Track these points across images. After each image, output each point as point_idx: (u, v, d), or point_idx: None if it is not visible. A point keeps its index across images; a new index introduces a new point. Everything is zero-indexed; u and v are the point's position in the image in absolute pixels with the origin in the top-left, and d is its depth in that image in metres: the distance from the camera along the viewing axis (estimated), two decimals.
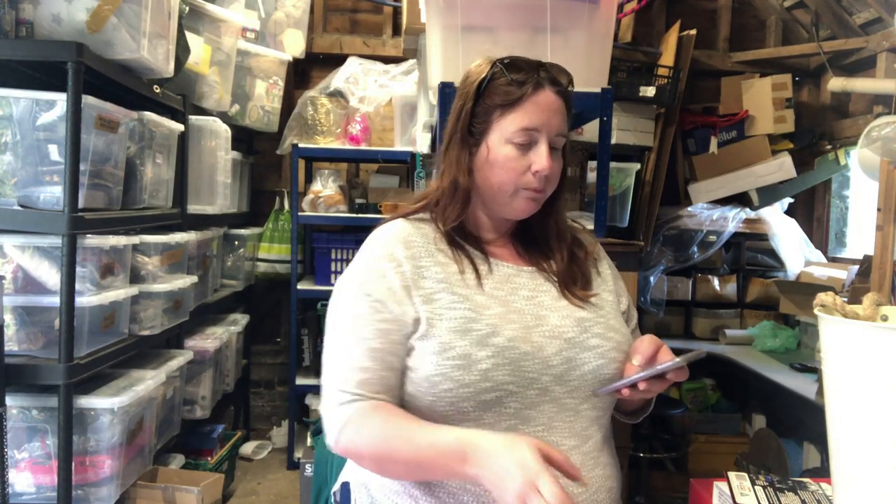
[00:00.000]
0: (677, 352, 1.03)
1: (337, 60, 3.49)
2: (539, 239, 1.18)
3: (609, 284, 1.20)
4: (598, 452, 1.08)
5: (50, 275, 1.87)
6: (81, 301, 1.86)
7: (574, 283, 1.14)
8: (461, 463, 0.88)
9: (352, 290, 1.06)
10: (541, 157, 1.07)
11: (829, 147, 3.27)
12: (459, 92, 1.14)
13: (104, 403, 1.94)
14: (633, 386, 1.02)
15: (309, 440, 3.03)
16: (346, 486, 1.21)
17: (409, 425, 0.97)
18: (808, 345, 3.03)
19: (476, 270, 1.09)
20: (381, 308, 1.03)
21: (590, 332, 1.08)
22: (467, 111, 1.10)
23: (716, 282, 3.36)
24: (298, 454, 3.17)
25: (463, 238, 1.12)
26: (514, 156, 1.07)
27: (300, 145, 3.29)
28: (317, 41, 3.59)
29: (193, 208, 2.72)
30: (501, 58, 1.11)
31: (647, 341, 1.05)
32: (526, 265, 1.15)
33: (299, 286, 3.26)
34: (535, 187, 1.08)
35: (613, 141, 2.81)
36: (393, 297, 1.04)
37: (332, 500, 1.29)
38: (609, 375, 1.07)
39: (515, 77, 1.07)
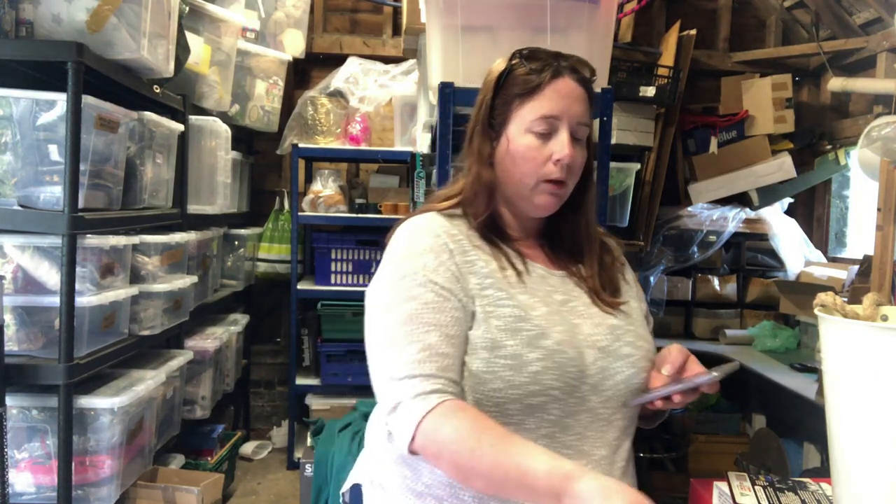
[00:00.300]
0: (702, 358, 1.03)
1: (337, 60, 3.49)
2: (568, 241, 1.14)
3: (633, 290, 1.17)
4: (626, 463, 1.06)
5: (50, 275, 1.87)
6: (81, 301, 1.86)
7: (604, 290, 1.11)
8: (553, 500, 0.81)
9: (412, 279, 0.99)
10: (562, 145, 1.03)
11: (829, 147, 3.27)
12: (482, 87, 1.12)
13: (104, 403, 1.94)
14: (667, 397, 1.00)
15: (309, 440, 3.02)
16: (356, 489, 1.18)
17: (498, 438, 0.87)
18: (808, 345, 3.03)
19: (515, 269, 1.06)
20: (450, 296, 0.99)
21: (622, 341, 1.06)
22: (487, 103, 1.08)
23: (716, 282, 3.36)
24: (298, 454, 3.17)
25: (496, 236, 1.09)
26: (535, 145, 1.04)
27: (300, 145, 3.29)
28: (317, 41, 3.59)
29: (193, 208, 2.72)
30: (521, 49, 1.09)
31: (676, 351, 1.03)
32: (556, 269, 1.12)
33: (299, 286, 3.26)
34: (556, 177, 1.04)
35: (613, 141, 2.81)
36: (457, 285, 1.00)
37: (342, 502, 1.26)
38: (638, 385, 1.04)
39: (534, 66, 1.05)
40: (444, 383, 0.92)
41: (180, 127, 2.49)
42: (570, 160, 1.04)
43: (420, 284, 0.99)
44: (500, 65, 1.10)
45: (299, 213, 3.25)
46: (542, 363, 0.97)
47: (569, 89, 1.05)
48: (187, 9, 2.50)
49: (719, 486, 1.17)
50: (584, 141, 1.08)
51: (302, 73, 3.65)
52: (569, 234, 1.14)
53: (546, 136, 1.05)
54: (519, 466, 0.83)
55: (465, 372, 0.97)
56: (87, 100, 1.82)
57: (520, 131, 1.05)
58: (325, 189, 3.28)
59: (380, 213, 3.28)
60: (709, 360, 1.05)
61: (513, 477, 0.84)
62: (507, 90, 1.07)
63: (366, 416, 2.99)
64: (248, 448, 3.41)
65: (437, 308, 0.97)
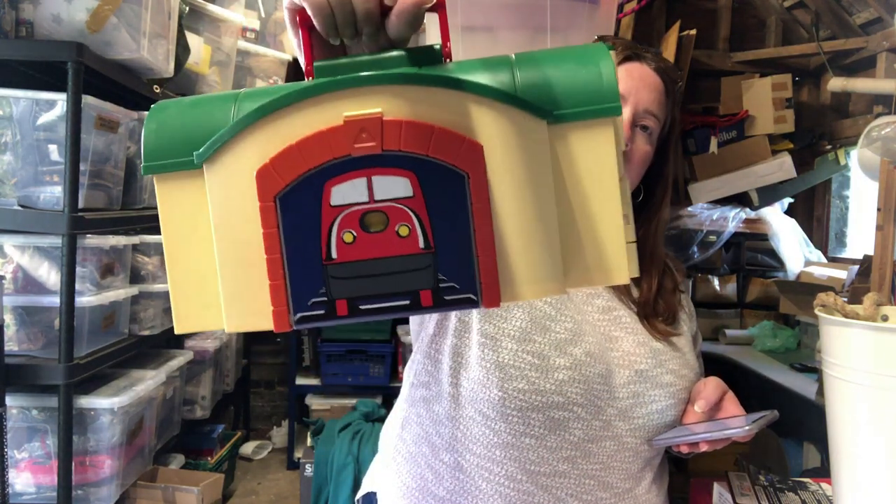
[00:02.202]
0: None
1: None
2: None
3: (689, 324, 1.06)
4: (650, 494, 0.98)
5: (50, 275, 1.87)
6: (81, 301, 1.86)
7: (657, 316, 0.99)
8: None
9: None
10: None
11: (829, 147, 3.27)
12: None
13: (104, 403, 1.94)
14: (694, 444, 0.91)
15: (309, 440, 3.03)
16: (370, 497, 1.11)
17: None
18: (808, 345, 3.03)
19: None
20: None
21: (664, 368, 0.96)
22: None
23: (716, 282, 3.36)
24: (298, 454, 3.17)
25: None
26: None
27: None
28: None
29: None
30: (606, 35, 1.02)
31: (713, 386, 0.94)
32: None
33: None
34: None
35: None
36: None
37: None
38: (673, 418, 0.95)
39: (611, 46, 1.00)
40: None
41: None
42: (625, 140, 0.92)
43: None
44: None
45: None
46: (569, 372, 0.89)
47: (642, 74, 0.96)
48: (187, 9, 2.50)
49: (719, 487, 1.17)
50: (651, 136, 0.97)
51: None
52: None
53: None
54: None
55: (489, 362, 0.90)
56: (87, 100, 1.82)
57: None
58: None
59: None
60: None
61: None
62: None
63: (366, 416, 3.00)
64: (248, 448, 3.41)
65: None
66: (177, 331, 0.48)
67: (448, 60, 0.48)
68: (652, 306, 1.00)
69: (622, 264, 0.45)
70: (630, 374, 0.94)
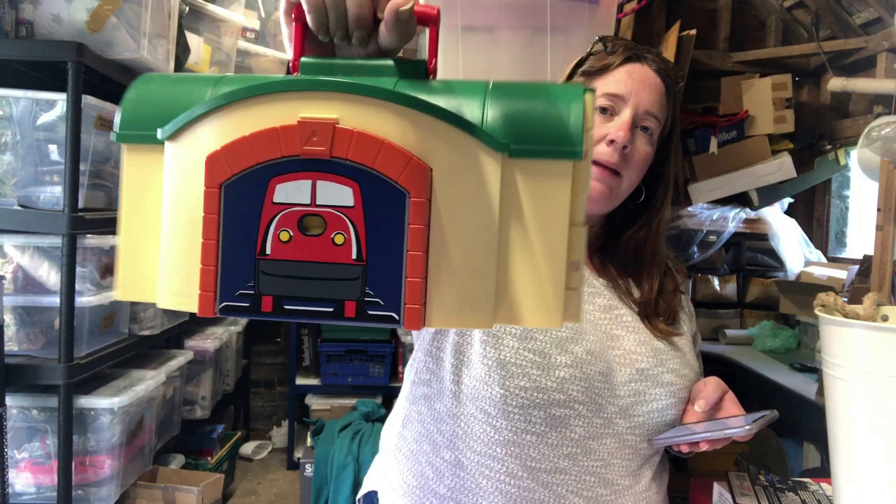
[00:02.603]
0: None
1: None
2: (625, 256, 1.03)
3: (686, 313, 1.08)
4: (650, 491, 0.99)
5: (50, 275, 1.87)
6: (81, 301, 1.86)
7: (658, 316, 1.00)
8: None
9: None
10: (619, 125, 0.93)
11: (829, 147, 3.27)
12: None
13: (104, 403, 1.94)
14: (694, 443, 0.91)
15: (309, 440, 3.03)
16: (371, 496, 1.12)
17: None
18: (808, 345, 3.03)
19: None
20: None
21: (665, 367, 0.96)
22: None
23: (716, 282, 3.36)
24: (298, 454, 3.17)
25: None
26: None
27: None
28: None
29: None
30: (607, 35, 1.03)
31: (713, 386, 0.95)
32: (601, 277, 1.02)
33: None
34: (606, 160, 0.93)
35: None
36: None
37: None
38: (674, 417, 0.96)
39: (611, 47, 0.99)
40: None
41: None
42: (624, 141, 0.93)
43: None
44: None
45: None
46: (570, 370, 0.90)
47: (643, 75, 0.97)
48: (187, 9, 2.50)
49: (719, 487, 1.17)
50: (652, 136, 0.98)
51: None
52: (627, 247, 1.03)
53: (607, 116, 0.96)
54: None
55: (490, 359, 0.90)
56: (87, 100, 1.82)
57: None
58: None
59: None
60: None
61: None
62: (581, 70, 1.01)
63: (366, 416, 3.00)
64: (248, 448, 3.41)
65: None
66: (117, 296, 0.48)
67: (432, 77, 0.48)
68: (653, 306, 1.00)
69: (556, 309, 0.44)
70: (631, 373, 0.94)
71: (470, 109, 0.45)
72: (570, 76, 1.03)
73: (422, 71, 0.48)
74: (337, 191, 0.43)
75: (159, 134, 0.46)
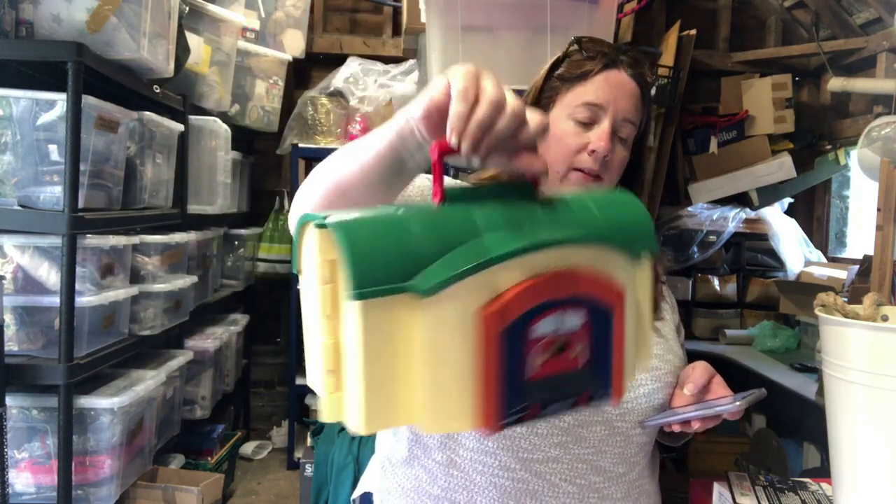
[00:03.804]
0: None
1: (337, 60, 3.49)
2: None
3: (668, 303, 1.11)
4: (642, 480, 1.01)
5: (50, 275, 1.87)
6: (81, 301, 1.86)
7: None
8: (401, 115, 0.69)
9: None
10: (599, 136, 0.97)
11: (829, 147, 3.27)
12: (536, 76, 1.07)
13: (104, 403, 1.94)
14: (685, 422, 0.93)
15: (309, 440, 3.02)
16: (367, 497, 1.14)
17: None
18: (808, 345, 3.03)
19: None
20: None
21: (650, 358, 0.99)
22: (536, 87, 1.04)
23: (716, 282, 3.36)
24: (298, 454, 3.17)
25: None
26: (573, 132, 0.98)
27: (300, 145, 3.28)
28: (317, 41, 3.59)
29: (193, 208, 2.72)
30: (581, 36, 1.04)
31: (701, 370, 0.97)
32: None
33: (299, 286, 3.26)
34: (588, 168, 0.97)
35: None
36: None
37: None
38: (661, 401, 0.98)
39: (589, 53, 1.01)
40: None
41: (180, 127, 2.49)
42: (606, 152, 0.96)
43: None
44: (559, 53, 1.05)
45: None
46: None
47: (620, 82, 1.00)
48: (187, 9, 2.50)
49: (719, 486, 1.17)
50: (628, 141, 1.02)
51: (302, 73, 3.65)
52: None
53: (587, 125, 0.98)
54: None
55: None
56: (87, 100, 1.82)
57: (562, 116, 1.00)
58: None
59: None
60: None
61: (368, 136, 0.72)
62: (559, 75, 1.02)
63: None
64: (248, 448, 3.41)
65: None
66: (364, 431, 0.53)
67: (536, 189, 0.61)
68: None
69: (646, 355, 0.66)
70: None
71: (606, 227, 0.60)
72: (547, 78, 1.04)
73: (529, 191, 0.61)
74: (574, 317, 0.56)
75: (422, 291, 0.53)
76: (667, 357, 1.01)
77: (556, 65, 1.04)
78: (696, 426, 0.91)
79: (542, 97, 1.03)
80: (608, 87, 0.99)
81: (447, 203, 0.58)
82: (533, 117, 0.59)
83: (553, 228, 0.58)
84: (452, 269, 0.53)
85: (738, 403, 0.87)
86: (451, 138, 0.57)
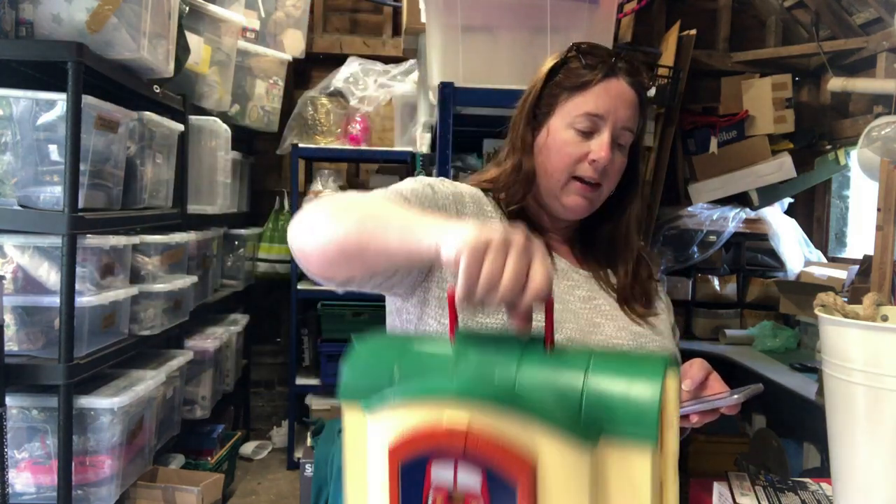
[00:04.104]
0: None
1: (337, 60, 3.49)
2: (602, 247, 1.10)
3: (664, 303, 1.13)
4: None
5: (50, 275, 1.87)
6: (81, 301, 1.86)
7: (636, 300, 1.06)
8: (426, 228, 0.71)
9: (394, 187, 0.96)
10: (599, 146, 0.99)
11: (829, 147, 3.27)
12: (532, 78, 1.08)
13: (104, 403, 1.94)
14: (684, 417, 0.93)
15: (309, 440, 3.02)
16: None
17: (372, 195, 0.84)
18: (808, 345, 3.03)
19: None
20: (429, 203, 0.96)
21: (645, 349, 1.01)
22: (535, 93, 1.05)
23: (716, 282, 3.36)
24: (298, 454, 3.17)
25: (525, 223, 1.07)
26: (574, 141, 1.00)
27: (300, 145, 3.28)
28: (317, 41, 3.59)
29: (193, 208, 2.72)
30: (580, 42, 1.05)
31: (697, 366, 0.98)
32: (582, 268, 1.07)
33: (299, 286, 3.26)
34: (588, 177, 1.00)
35: None
36: (446, 205, 0.97)
37: None
38: None
39: (588, 61, 1.02)
40: None
41: (180, 127, 2.49)
42: (606, 162, 0.99)
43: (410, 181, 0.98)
44: (554, 57, 1.06)
45: None
46: None
47: (619, 90, 1.02)
48: (187, 9, 2.50)
49: (719, 486, 1.17)
50: (626, 147, 1.04)
51: (302, 73, 3.65)
52: (604, 240, 1.10)
53: (587, 134, 1.01)
54: (396, 212, 0.79)
55: None
56: (87, 100, 1.82)
57: (562, 125, 1.02)
58: (326, 189, 3.28)
59: None
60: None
61: (391, 220, 0.76)
62: (558, 82, 1.04)
63: None
64: (248, 448, 3.41)
65: (421, 194, 0.96)
66: None
67: (549, 348, 0.63)
68: (630, 291, 1.06)
69: None
70: None
71: (572, 395, 0.58)
72: (545, 84, 1.05)
73: (540, 345, 0.63)
74: (471, 475, 0.57)
75: (364, 407, 0.62)
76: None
77: (554, 70, 1.05)
78: (694, 420, 0.92)
79: (541, 103, 1.05)
80: (608, 97, 1.01)
81: (458, 341, 0.65)
82: (536, 287, 0.62)
83: (513, 386, 0.60)
84: (386, 396, 0.60)
85: (735, 397, 0.88)
86: (458, 300, 0.63)
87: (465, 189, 1.04)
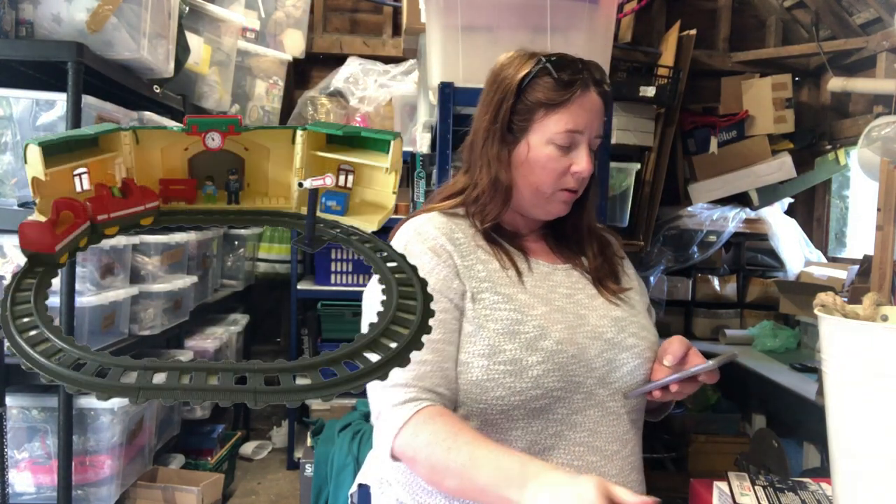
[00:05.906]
0: (706, 354, 1.03)
1: (337, 60, 3.49)
2: (571, 235, 1.17)
3: (634, 282, 1.20)
4: (635, 457, 1.08)
5: None
6: (81, 301, 1.86)
7: (608, 278, 1.14)
8: (519, 489, 0.82)
9: None
10: (582, 160, 1.06)
11: (829, 147, 3.27)
12: (495, 85, 1.09)
13: (104, 403, 1.94)
14: (665, 388, 1.01)
15: (309, 440, 3.02)
16: (364, 489, 1.18)
17: (472, 439, 0.90)
18: (808, 345, 3.03)
19: (516, 268, 1.06)
20: (439, 298, 0.98)
21: (626, 332, 1.07)
22: (508, 107, 1.06)
23: (716, 282, 3.36)
24: (298, 454, 3.17)
25: (499, 235, 1.10)
26: (556, 156, 1.05)
27: None
28: (317, 41, 3.59)
29: None
30: (548, 54, 1.08)
31: (678, 342, 1.04)
32: (561, 262, 1.14)
33: (299, 286, 3.26)
34: (571, 187, 1.07)
35: (613, 141, 2.81)
36: (447, 286, 1.01)
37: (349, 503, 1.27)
38: (643, 376, 1.06)
39: (564, 77, 1.05)
40: (417, 391, 0.95)
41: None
42: (588, 174, 1.07)
43: None
44: (518, 64, 1.07)
45: None
46: (543, 366, 0.98)
47: (592, 103, 1.07)
48: (187, 9, 2.50)
49: (719, 486, 1.17)
50: (597, 151, 1.12)
51: (302, 73, 3.65)
52: (572, 229, 1.16)
53: (567, 148, 1.06)
54: (493, 463, 0.87)
55: (464, 382, 0.98)
56: (87, 100, 1.82)
57: (542, 141, 1.05)
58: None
59: None
60: (709, 357, 1.05)
61: (484, 474, 0.87)
62: (531, 97, 1.05)
63: (366, 417, 2.99)
64: (248, 448, 3.41)
65: None
66: None
67: None
68: (600, 268, 1.15)
69: None
70: (601, 345, 1.04)
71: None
72: (517, 98, 1.06)
73: None
74: None
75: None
76: (642, 334, 1.09)
77: (523, 83, 1.06)
78: (674, 389, 1.00)
79: (516, 119, 1.07)
80: (584, 112, 1.06)
81: None
82: None
83: None
84: None
85: (711, 363, 0.96)
86: None
87: (431, 233, 1.06)
